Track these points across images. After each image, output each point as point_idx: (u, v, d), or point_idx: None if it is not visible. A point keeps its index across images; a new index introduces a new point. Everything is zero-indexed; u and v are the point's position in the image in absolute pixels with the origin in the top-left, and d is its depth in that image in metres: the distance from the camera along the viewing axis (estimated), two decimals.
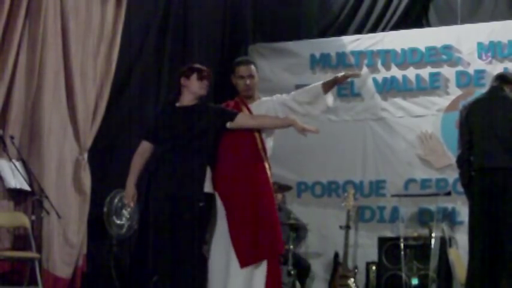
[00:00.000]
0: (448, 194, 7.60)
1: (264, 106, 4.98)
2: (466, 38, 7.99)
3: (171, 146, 4.76)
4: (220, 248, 4.74)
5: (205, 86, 4.90)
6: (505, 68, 7.55)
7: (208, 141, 4.77)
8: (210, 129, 4.77)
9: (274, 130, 4.98)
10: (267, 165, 4.86)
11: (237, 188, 4.74)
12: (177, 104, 4.92)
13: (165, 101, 7.39)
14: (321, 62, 8.58)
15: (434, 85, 8.08)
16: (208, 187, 4.73)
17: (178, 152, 4.74)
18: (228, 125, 4.78)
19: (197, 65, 4.98)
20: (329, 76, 8.52)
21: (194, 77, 4.87)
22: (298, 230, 7.81)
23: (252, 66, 5.04)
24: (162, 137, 4.83)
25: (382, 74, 8.31)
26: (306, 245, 8.16)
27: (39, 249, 5.94)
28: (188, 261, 4.57)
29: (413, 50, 8.20)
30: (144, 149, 4.90)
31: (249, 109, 4.96)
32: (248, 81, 4.97)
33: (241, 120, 4.80)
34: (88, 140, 6.69)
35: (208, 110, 4.85)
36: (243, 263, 4.64)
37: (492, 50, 7.86)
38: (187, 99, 4.88)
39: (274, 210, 4.83)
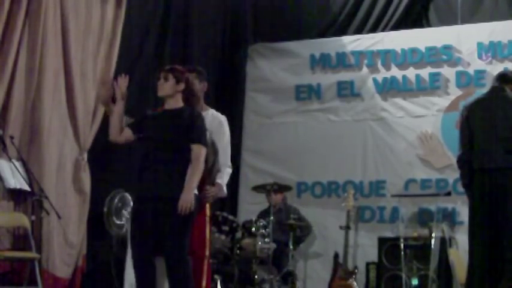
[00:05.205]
0: (448, 194, 7.59)
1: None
2: (466, 38, 7.99)
3: (155, 145, 4.63)
4: None
5: (159, 88, 4.78)
6: (505, 68, 7.53)
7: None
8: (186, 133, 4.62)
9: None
10: None
11: None
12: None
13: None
14: (321, 62, 8.58)
15: (434, 85, 8.08)
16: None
17: (162, 151, 4.60)
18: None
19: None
20: (329, 76, 8.62)
21: None
22: (301, 230, 7.81)
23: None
24: (146, 134, 4.71)
25: (382, 74, 8.31)
26: (306, 245, 8.15)
27: (39, 250, 5.93)
28: (176, 261, 4.47)
29: (413, 50, 8.20)
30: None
31: None
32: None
33: (196, 151, 4.58)
34: (88, 140, 6.68)
35: (187, 116, 4.65)
36: None
37: (492, 50, 7.86)
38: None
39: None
